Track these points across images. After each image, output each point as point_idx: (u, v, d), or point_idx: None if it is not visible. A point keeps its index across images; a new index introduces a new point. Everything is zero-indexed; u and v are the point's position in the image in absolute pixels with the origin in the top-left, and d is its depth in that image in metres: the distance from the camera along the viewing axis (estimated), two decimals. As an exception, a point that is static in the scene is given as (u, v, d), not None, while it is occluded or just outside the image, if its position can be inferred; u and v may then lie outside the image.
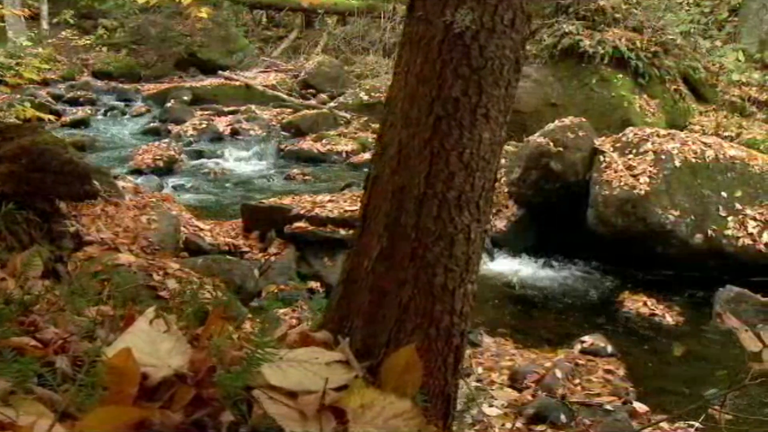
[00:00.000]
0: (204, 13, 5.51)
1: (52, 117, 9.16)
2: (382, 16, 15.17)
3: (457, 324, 1.25)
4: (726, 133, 9.16)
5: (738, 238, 5.68)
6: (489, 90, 1.22)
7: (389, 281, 1.25)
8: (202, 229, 5.76)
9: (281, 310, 4.48)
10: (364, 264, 1.28)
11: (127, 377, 0.92)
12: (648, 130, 6.57)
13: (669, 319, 5.00)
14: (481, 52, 1.22)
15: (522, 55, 1.24)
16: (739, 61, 11.06)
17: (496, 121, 1.25)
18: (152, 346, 1.00)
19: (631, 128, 6.79)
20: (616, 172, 6.02)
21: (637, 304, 5.18)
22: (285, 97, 12.33)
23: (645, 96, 9.71)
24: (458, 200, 1.25)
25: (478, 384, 3.91)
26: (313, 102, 12.24)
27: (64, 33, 16.01)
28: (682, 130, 7.86)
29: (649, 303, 5.16)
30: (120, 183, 6.13)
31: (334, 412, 0.96)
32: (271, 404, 0.93)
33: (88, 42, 15.72)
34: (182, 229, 5.51)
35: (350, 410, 0.94)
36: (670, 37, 10.12)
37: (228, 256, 5.25)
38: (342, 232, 5.33)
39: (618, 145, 6.33)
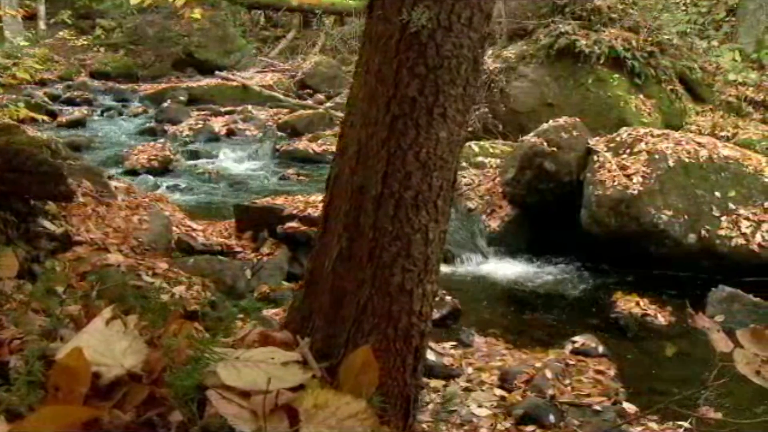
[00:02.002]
0: (197, 13, 5.49)
1: (46, 117, 9.15)
2: (379, 16, 15.13)
3: (416, 324, 1.24)
4: (722, 133, 9.16)
5: (731, 238, 5.67)
6: (446, 89, 1.21)
7: (348, 281, 1.24)
8: (194, 229, 5.75)
9: (273, 311, 4.47)
10: (324, 264, 1.27)
11: (78, 376, 0.91)
12: (642, 130, 6.56)
13: (661, 319, 4.98)
14: (437, 50, 1.21)
15: (481, 53, 1.23)
16: (736, 61, 11.05)
17: (454, 120, 1.24)
18: (107, 345, 0.99)
19: (625, 128, 6.78)
20: (609, 172, 6.01)
21: (629, 304, 5.16)
22: (281, 97, 12.34)
23: (641, 96, 9.70)
24: (415, 200, 1.23)
25: (468, 384, 3.90)
26: (309, 102, 12.25)
27: (61, 33, 16.03)
28: (678, 130, 7.85)
29: (641, 303, 5.14)
30: (113, 183, 6.12)
31: (288, 412, 0.95)
32: (223, 404, 0.92)
33: (86, 42, 15.74)
34: (174, 229, 5.50)
35: (303, 410, 0.93)
36: (667, 37, 10.11)
37: (220, 256, 5.24)
38: (334, 232, 5.31)
39: (612, 145, 6.32)
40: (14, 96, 10.13)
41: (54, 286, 1.62)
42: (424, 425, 2.58)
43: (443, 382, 3.78)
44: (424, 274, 1.25)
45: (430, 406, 3.05)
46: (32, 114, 6.87)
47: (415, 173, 1.24)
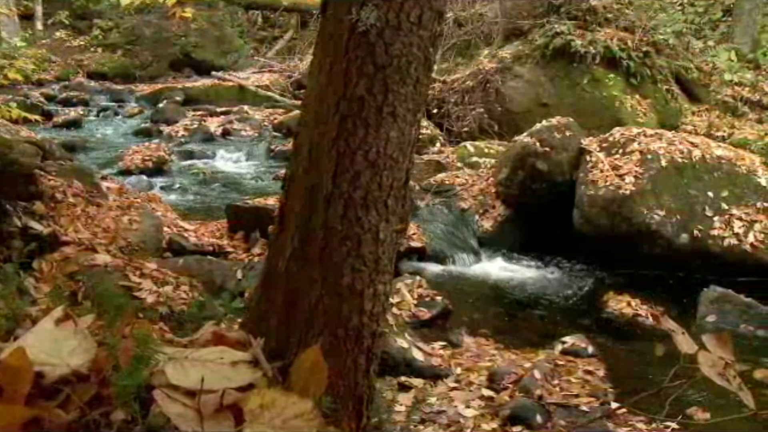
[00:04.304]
0: (188, 12, 5.49)
1: (39, 117, 9.13)
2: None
3: (368, 324, 1.24)
4: (718, 133, 9.15)
5: (724, 238, 5.65)
6: (395, 88, 1.21)
7: (301, 281, 1.24)
8: (186, 230, 5.75)
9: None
10: (279, 264, 1.27)
11: (20, 376, 0.90)
12: (635, 130, 6.55)
13: (652, 319, 4.96)
14: (386, 49, 1.21)
15: (432, 52, 1.23)
16: (732, 61, 11.04)
17: (405, 119, 1.24)
18: (54, 345, 0.99)
19: (618, 128, 6.77)
20: (602, 171, 5.99)
21: (620, 304, 5.14)
22: (277, 97, 12.32)
23: (637, 96, 9.69)
24: (364, 199, 1.23)
25: (456, 384, 3.89)
26: (306, 102, 12.24)
27: (58, 33, 16.03)
28: (673, 130, 7.84)
29: (632, 303, 5.13)
30: (106, 184, 6.11)
31: (234, 412, 0.94)
32: (168, 403, 0.92)
33: (83, 43, 15.73)
34: (166, 229, 5.50)
35: (248, 410, 0.92)
36: (662, 37, 10.11)
37: (210, 257, 5.23)
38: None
39: (605, 145, 6.31)
40: (10, 96, 10.13)
41: (21, 286, 1.61)
42: (399, 425, 2.57)
43: (430, 382, 3.77)
44: (375, 274, 1.24)
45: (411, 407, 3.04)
46: (25, 114, 6.85)
47: (364, 173, 1.24)
